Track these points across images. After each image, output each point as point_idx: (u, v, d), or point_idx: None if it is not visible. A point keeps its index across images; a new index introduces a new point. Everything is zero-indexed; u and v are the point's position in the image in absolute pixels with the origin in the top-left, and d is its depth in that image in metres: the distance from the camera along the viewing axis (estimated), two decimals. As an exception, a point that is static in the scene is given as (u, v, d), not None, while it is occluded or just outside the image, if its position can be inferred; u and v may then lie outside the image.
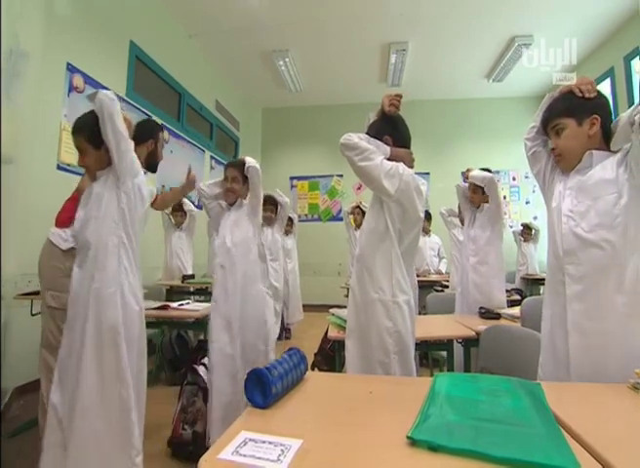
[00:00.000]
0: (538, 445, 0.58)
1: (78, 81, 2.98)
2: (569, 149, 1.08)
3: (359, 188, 6.48)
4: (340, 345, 1.57)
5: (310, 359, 3.04)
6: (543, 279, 4.18)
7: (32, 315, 1.98)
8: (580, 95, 1.06)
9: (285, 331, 4.35)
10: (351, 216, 4.35)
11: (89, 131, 1.36)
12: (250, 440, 0.60)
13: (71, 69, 2.89)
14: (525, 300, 1.70)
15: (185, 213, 3.56)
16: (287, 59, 5.05)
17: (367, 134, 1.28)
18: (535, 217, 5.93)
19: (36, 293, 1.98)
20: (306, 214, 6.48)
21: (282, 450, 0.57)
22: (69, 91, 2.87)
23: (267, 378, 0.74)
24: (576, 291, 0.99)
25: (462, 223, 3.36)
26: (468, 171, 2.18)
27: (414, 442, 0.60)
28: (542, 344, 1.10)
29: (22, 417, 1.92)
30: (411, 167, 1.27)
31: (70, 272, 1.51)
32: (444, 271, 4.32)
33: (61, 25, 2.77)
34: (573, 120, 1.06)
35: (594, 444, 0.60)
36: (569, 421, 0.68)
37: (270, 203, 3.28)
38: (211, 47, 4.89)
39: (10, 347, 2.02)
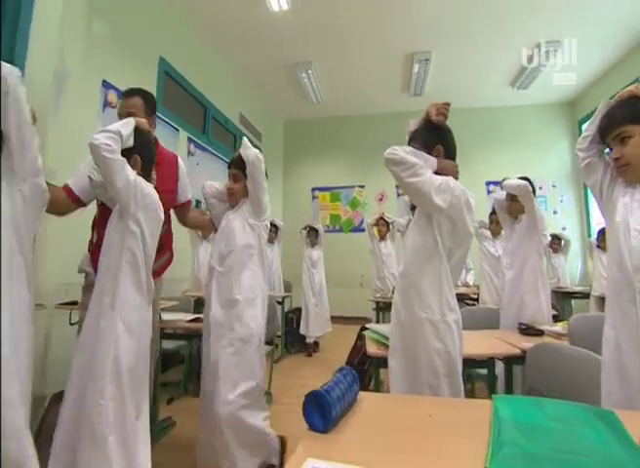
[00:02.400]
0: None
1: (112, 97, 3.08)
2: (638, 158, 1.02)
3: (381, 199, 6.45)
4: (379, 362, 1.53)
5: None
6: (576, 292, 4.04)
7: (71, 324, 2.02)
8: None
9: (314, 345, 4.33)
10: (375, 228, 4.33)
11: None
12: (319, 468, 0.58)
13: (106, 86, 3.00)
14: (573, 317, 1.62)
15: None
16: (310, 72, 5.12)
17: (410, 143, 1.26)
18: (563, 228, 5.75)
19: (74, 303, 2.03)
20: (328, 226, 6.47)
21: (355, 481, 0.54)
22: (104, 106, 2.97)
23: (327, 401, 0.71)
24: None
25: (493, 235, 3.30)
26: (504, 180, 2.13)
27: (493, 474, 0.56)
28: (605, 367, 1.03)
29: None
30: (455, 179, 1.24)
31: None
32: (471, 283, 4.22)
33: (98, 44, 2.89)
34: None
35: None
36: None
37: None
38: (235, 61, 5.00)
39: (51, 355, 2.06)
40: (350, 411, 0.80)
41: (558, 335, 1.68)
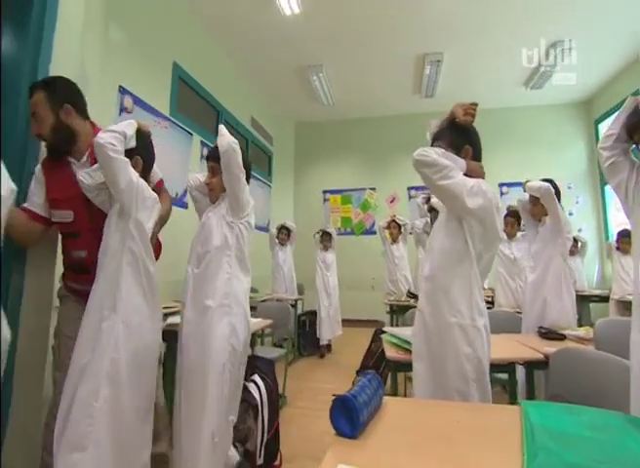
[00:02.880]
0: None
1: (127, 102, 3.13)
2: None
3: (392, 201, 6.42)
4: (397, 366, 1.51)
5: (351, 375, 2.97)
6: (594, 296, 3.95)
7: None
8: None
9: (327, 347, 4.35)
10: (387, 231, 4.31)
11: None
12: (351, 475, 0.57)
13: (122, 91, 3.04)
14: (598, 322, 1.58)
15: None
16: (321, 74, 5.13)
17: (434, 143, 1.24)
18: (579, 230, 5.64)
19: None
20: (339, 228, 6.44)
21: (390, 489, 0.53)
22: (120, 111, 3.02)
23: (354, 406, 0.70)
24: None
25: (508, 237, 3.25)
26: (527, 182, 2.10)
27: (531, 485, 0.54)
28: (635, 373, 1.00)
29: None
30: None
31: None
32: (486, 286, 4.16)
33: (115, 51, 2.94)
34: None
35: None
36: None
37: None
38: (246, 65, 5.04)
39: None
40: (377, 416, 0.79)
41: (580, 340, 1.64)
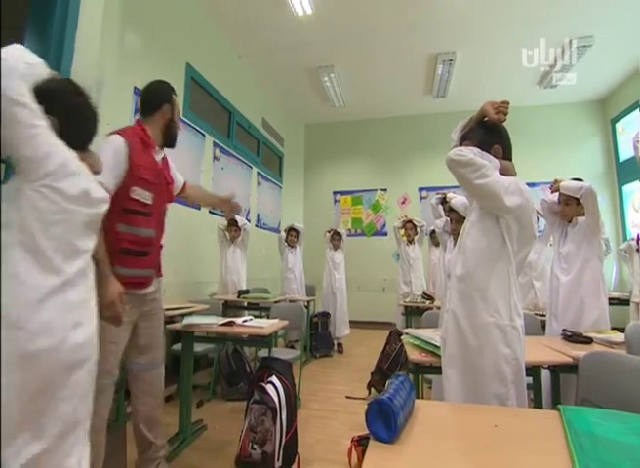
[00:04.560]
0: None
1: (142, 103, 3.15)
2: None
3: (403, 202, 6.37)
4: (418, 368, 1.48)
5: (364, 377, 2.94)
6: (612, 299, 3.85)
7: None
8: None
9: (338, 346, 4.36)
10: (402, 231, 4.26)
11: None
12: (395, 482, 0.54)
13: (138, 92, 3.06)
14: (629, 326, 1.52)
15: (240, 228, 3.62)
16: (332, 75, 5.12)
17: (463, 143, 1.21)
18: (596, 231, 5.52)
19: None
20: (350, 229, 6.41)
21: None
22: (135, 112, 3.04)
23: (392, 409, 0.68)
24: None
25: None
26: (557, 182, 2.03)
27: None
28: None
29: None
30: None
31: None
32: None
33: (130, 53, 2.97)
34: None
35: None
36: None
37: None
38: (258, 66, 5.05)
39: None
40: (411, 420, 0.76)
41: (610, 344, 1.59)
